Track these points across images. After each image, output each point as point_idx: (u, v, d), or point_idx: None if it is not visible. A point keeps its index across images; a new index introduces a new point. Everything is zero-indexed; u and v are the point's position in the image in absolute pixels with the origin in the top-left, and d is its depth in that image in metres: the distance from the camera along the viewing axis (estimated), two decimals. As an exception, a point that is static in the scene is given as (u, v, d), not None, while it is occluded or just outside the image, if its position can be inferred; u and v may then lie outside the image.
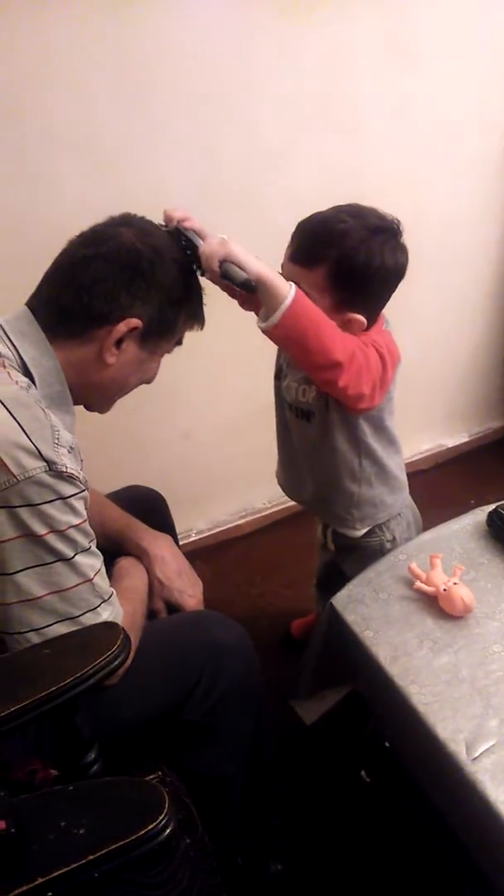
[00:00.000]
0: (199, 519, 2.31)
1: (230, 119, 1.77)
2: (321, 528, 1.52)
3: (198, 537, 2.29)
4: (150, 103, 1.66)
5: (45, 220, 1.64)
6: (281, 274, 1.07)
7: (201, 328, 1.17)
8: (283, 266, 1.17)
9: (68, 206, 1.66)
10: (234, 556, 2.26)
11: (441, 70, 2.00)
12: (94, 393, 1.08)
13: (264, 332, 1.06)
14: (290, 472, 1.45)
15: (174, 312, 1.06)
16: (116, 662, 0.75)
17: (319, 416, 1.27)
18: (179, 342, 1.15)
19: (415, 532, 1.48)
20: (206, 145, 1.76)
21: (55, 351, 1.01)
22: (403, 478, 1.43)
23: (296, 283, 1.06)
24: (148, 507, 1.39)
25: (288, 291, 1.02)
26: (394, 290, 1.23)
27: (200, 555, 2.13)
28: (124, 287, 1.00)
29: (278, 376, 1.37)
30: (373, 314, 1.21)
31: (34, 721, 0.70)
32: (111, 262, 1.00)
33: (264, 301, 1.04)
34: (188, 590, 1.22)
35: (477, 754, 0.96)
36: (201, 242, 1.06)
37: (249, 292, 1.05)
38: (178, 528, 1.54)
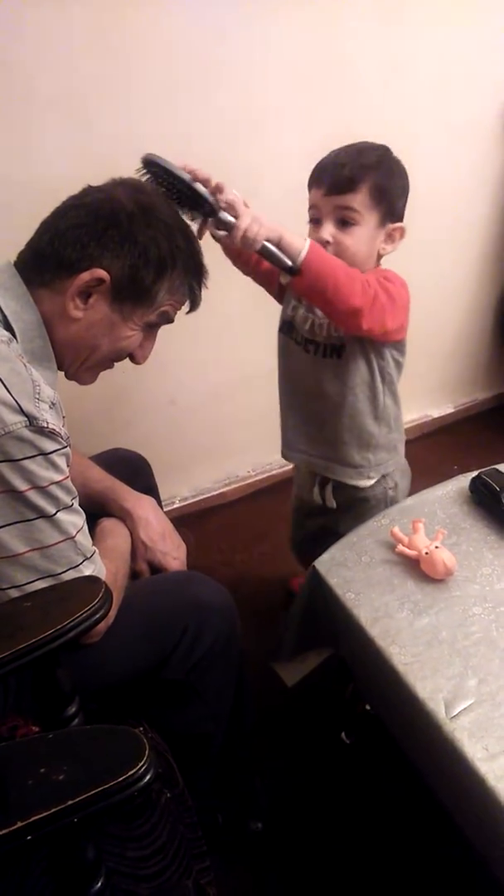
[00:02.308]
0: (182, 486, 2.31)
1: (219, 76, 1.74)
2: (318, 489, 1.49)
3: (181, 504, 2.29)
4: (134, 58, 1.63)
5: (27, 176, 1.62)
6: (317, 212, 1.22)
7: (194, 308, 1.13)
8: (320, 205, 1.22)
9: (49, 161, 1.63)
10: (218, 523, 2.27)
11: (436, 33, 1.98)
12: (63, 350, 1.03)
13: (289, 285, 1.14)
14: (304, 427, 1.42)
15: (151, 277, 1.01)
16: (98, 616, 0.75)
17: (351, 348, 1.28)
18: (168, 319, 1.11)
19: (409, 484, 1.52)
20: (193, 101, 1.73)
21: (35, 304, 0.99)
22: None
23: (347, 207, 1.19)
24: (132, 470, 1.39)
25: (303, 245, 1.09)
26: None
27: (184, 522, 2.11)
28: (95, 236, 0.97)
29: (287, 329, 1.37)
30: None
31: (14, 672, 0.70)
32: (90, 212, 0.98)
33: (285, 260, 1.10)
34: (172, 552, 1.22)
35: (455, 713, 0.97)
36: (231, 219, 1.06)
37: (294, 276, 1.10)
38: (162, 495, 1.53)
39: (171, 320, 1.12)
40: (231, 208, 1.06)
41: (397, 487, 1.48)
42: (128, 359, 1.11)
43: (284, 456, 1.48)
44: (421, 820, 1.34)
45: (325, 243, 1.20)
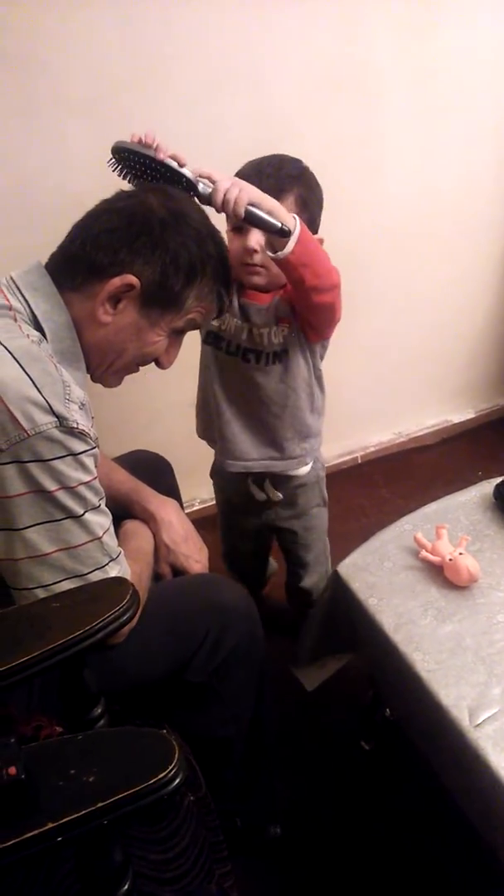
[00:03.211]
0: (202, 488, 2.30)
1: (248, 80, 1.74)
2: (256, 487, 1.50)
3: (201, 506, 2.29)
4: (159, 64, 1.64)
5: (54, 180, 1.63)
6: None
7: (220, 315, 1.14)
8: None
9: (77, 164, 1.64)
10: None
11: (458, 39, 1.97)
12: (90, 354, 1.04)
13: (280, 260, 1.11)
14: (247, 434, 1.42)
15: (181, 284, 1.01)
16: (126, 616, 0.75)
17: (293, 352, 1.31)
18: (195, 326, 1.10)
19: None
20: (214, 107, 1.73)
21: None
22: None
23: None
24: (154, 472, 1.39)
25: (294, 220, 1.09)
26: None
27: (203, 524, 2.11)
28: (127, 242, 0.97)
29: (213, 339, 1.35)
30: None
31: (42, 673, 0.70)
32: (122, 216, 0.98)
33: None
34: (194, 555, 1.22)
35: (480, 721, 0.97)
36: (206, 183, 1.05)
37: (285, 237, 1.08)
38: (183, 497, 1.53)
39: (198, 327, 1.12)
40: (209, 178, 1.06)
41: (323, 467, 1.56)
42: (153, 363, 1.11)
43: (225, 466, 1.47)
44: (440, 827, 1.34)
45: (252, 251, 1.20)
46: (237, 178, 1.07)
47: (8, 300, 0.96)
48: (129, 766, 0.59)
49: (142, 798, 0.56)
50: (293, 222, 1.08)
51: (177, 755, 0.58)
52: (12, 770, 0.56)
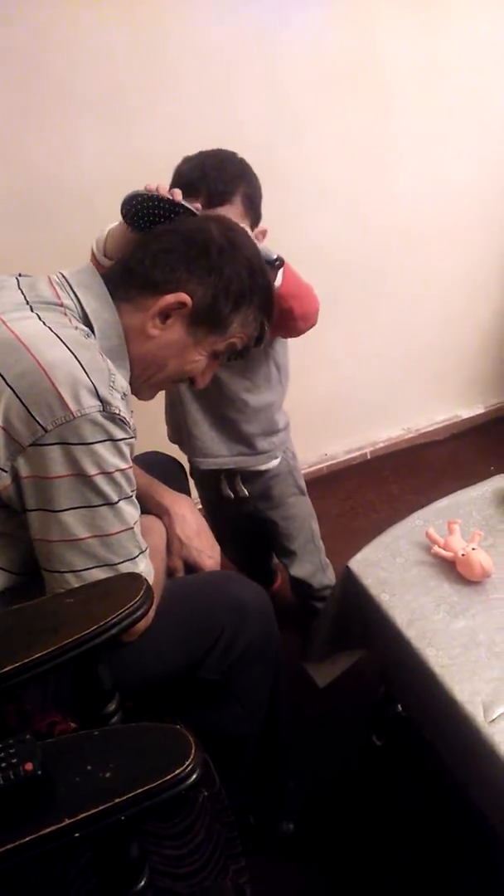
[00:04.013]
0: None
1: (255, 77, 1.74)
2: (226, 484, 1.53)
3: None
4: (170, 61, 1.64)
5: (62, 177, 1.63)
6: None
7: (259, 344, 1.17)
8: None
9: (86, 163, 1.64)
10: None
11: (467, 36, 1.96)
12: (133, 364, 1.06)
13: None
14: (216, 432, 1.45)
15: (229, 308, 1.04)
16: (140, 612, 0.75)
17: (255, 349, 1.32)
18: (234, 350, 1.13)
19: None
20: (224, 105, 1.73)
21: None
22: None
23: None
24: (166, 473, 1.39)
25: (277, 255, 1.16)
26: None
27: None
28: (186, 263, 1.00)
29: None
30: None
31: (56, 669, 0.70)
32: (183, 238, 1.02)
33: None
34: (207, 550, 1.22)
35: (494, 716, 0.96)
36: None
37: (277, 269, 1.14)
38: (192, 496, 1.54)
39: (236, 351, 1.15)
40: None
41: (295, 457, 1.59)
42: (189, 381, 1.14)
43: (195, 465, 1.50)
44: (454, 823, 1.33)
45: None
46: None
47: (59, 297, 0.98)
48: (146, 761, 0.59)
49: (159, 794, 0.56)
50: (277, 256, 1.14)
51: (193, 751, 0.58)
52: (29, 766, 0.56)
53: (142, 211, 1.08)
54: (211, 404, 1.41)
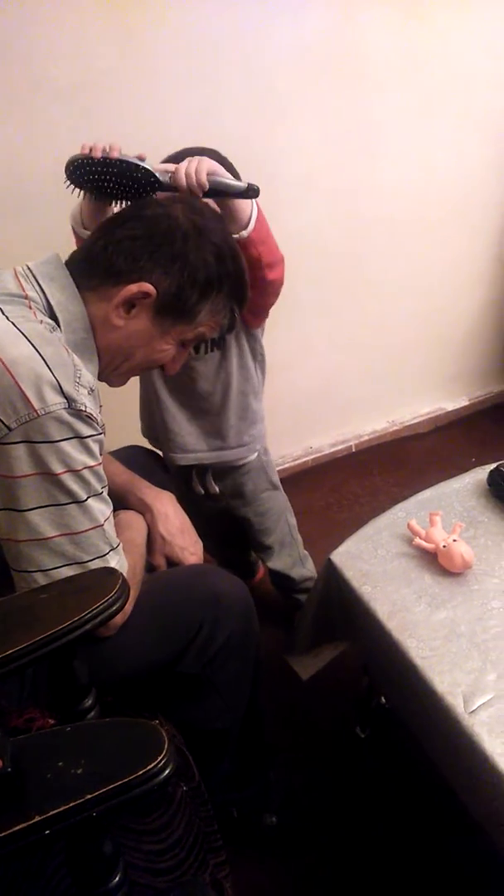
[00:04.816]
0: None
1: (232, 66, 1.72)
2: (197, 480, 1.52)
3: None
4: (148, 46, 1.62)
5: (38, 167, 1.61)
6: None
7: (230, 331, 1.17)
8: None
9: (62, 153, 1.62)
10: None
11: (453, 24, 1.95)
12: (100, 354, 1.04)
13: (241, 240, 1.13)
14: (193, 426, 1.44)
15: (196, 296, 1.02)
16: (115, 608, 0.74)
17: (230, 338, 1.33)
18: (203, 338, 1.12)
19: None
20: (207, 91, 1.71)
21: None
22: None
23: None
24: (148, 467, 1.38)
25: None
26: None
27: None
28: (149, 250, 0.98)
29: None
30: None
31: (32, 664, 0.70)
32: (147, 225, 0.99)
33: (233, 208, 1.12)
34: (190, 547, 1.21)
35: (474, 707, 0.96)
36: (157, 174, 1.07)
37: (253, 197, 1.09)
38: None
39: (205, 339, 1.15)
40: (164, 170, 1.09)
41: (267, 452, 1.57)
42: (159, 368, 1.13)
43: (172, 460, 1.48)
44: (436, 814, 1.34)
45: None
46: (194, 157, 1.09)
47: (23, 289, 0.96)
48: (118, 757, 0.58)
49: (131, 789, 0.55)
50: (249, 184, 1.10)
51: (166, 745, 0.57)
52: (-1, 763, 0.56)
53: (79, 171, 1.07)
54: (187, 397, 1.40)
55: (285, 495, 1.65)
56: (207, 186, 1.06)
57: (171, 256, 0.98)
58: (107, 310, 0.99)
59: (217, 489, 1.50)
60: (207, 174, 1.07)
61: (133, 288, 0.97)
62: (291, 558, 1.66)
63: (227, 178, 1.07)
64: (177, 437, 1.44)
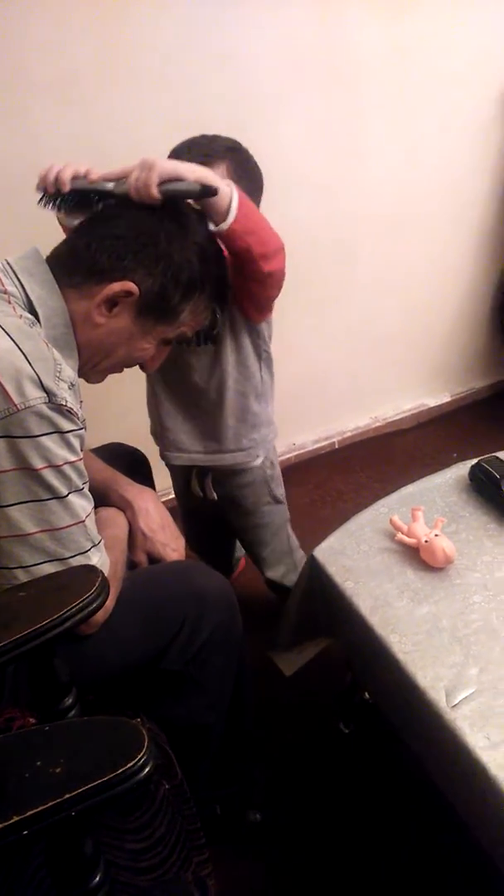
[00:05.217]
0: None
1: (216, 60, 1.72)
2: (196, 482, 1.49)
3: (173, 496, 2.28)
4: (130, 40, 1.61)
5: (18, 157, 1.60)
6: None
7: (212, 331, 1.16)
8: None
9: (42, 147, 1.61)
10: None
11: (435, 19, 1.96)
12: (80, 351, 1.03)
13: (223, 233, 1.06)
14: (187, 425, 1.40)
15: (178, 296, 1.02)
16: (94, 606, 0.73)
17: (228, 329, 1.27)
18: (184, 338, 1.12)
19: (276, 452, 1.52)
20: (190, 87, 1.70)
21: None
22: None
23: None
24: (129, 464, 1.37)
25: (226, 184, 1.04)
26: None
27: (178, 513, 2.11)
28: (133, 250, 0.98)
29: None
30: None
31: (10, 664, 0.69)
32: (132, 223, 0.99)
33: (207, 203, 1.04)
34: (171, 543, 1.20)
35: (456, 702, 0.96)
36: (111, 185, 1.01)
37: (211, 196, 1.02)
38: (157, 487, 1.52)
39: (187, 339, 1.14)
40: (122, 175, 1.02)
41: (273, 466, 1.50)
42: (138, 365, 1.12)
43: (165, 458, 1.46)
44: (420, 809, 1.34)
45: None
46: (146, 158, 0.99)
47: (3, 283, 0.95)
48: (97, 755, 0.57)
49: (110, 788, 0.55)
50: (223, 185, 1.04)
51: (146, 743, 0.57)
52: (-25, 763, 0.55)
53: (47, 205, 1.05)
54: (183, 393, 1.36)
55: (287, 508, 1.60)
56: (159, 198, 0.99)
57: (155, 256, 0.98)
58: (88, 307, 0.98)
59: (215, 496, 1.46)
60: (160, 182, 0.98)
61: (116, 286, 0.97)
62: (286, 567, 1.62)
63: (180, 184, 1.00)
64: (171, 435, 1.41)
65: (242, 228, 1.06)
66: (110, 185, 1.01)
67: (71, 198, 1.03)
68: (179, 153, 1.21)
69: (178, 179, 0.99)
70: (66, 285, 0.99)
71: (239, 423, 1.37)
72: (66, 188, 1.01)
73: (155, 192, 0.97)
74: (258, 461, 1.43)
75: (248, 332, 1.29)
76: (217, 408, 1.35)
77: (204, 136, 1.22)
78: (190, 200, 1.07)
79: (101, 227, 0.99)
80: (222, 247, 1.10)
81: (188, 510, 1.65)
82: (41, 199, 1.05)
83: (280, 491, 1.54)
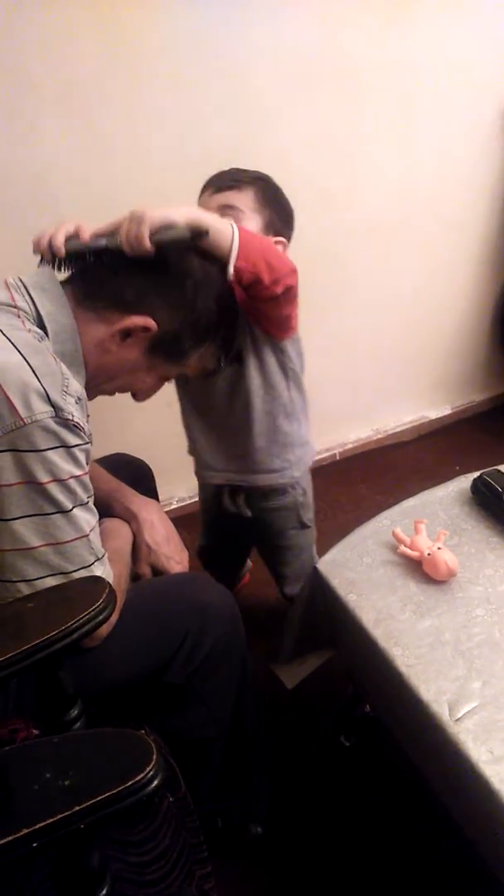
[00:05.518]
0: (180, 487, 2.30)
1: (220, 71, 1.73)
2: (229, 498, 1.47)
3: (178, 505, 2.28)
4: (135, 51, 1.62)
5: (23, 168, 1.61)
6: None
7: (212, 376, 1.19)
8: (205, 205, 1.21)
9: (47, 153, 1.62)
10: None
11: (438, 30, 1.98)
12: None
13: (231, 275, 1.05)
14: (218, 445, 1.39)
15: (192, 342, 1.05)
16: (102, 617, 0.74)
17: (251, 349, 1.26)
18: (183, 378, 1.16)
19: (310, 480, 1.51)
20: (189, 101, 1.72)
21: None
22: None
23: (229, 206, 1.18)
24: (134, 475, 1.38)
25: (226, 222, 1.04)
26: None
27: (181, 523, 2.10)
28: (159, 289, 1.00)
29: None
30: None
31: (17, 675, 0.69)
32: (163, 263, 0.99)
33: (209, 242, 1.03)
34: (175, 556, 1.21)
35: (459, 715, 0.96)
36: (104, 241, 1.00)
37: (203, 237, 1.01)
38: (160, 496, 1.53)
39: (185, 379, 1.17)
40: (110, 232, 1.01)
41: (306, 494, 1.48)
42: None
43: (200, 477, 1.47)
44: (421, 822, 1.34)
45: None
46: (135, 210, 0.97)
47: (13, 299, 0.96)
48: (105, 768, 0.58)
49: (119, 801, 0.55)
50: (220, 224, 1.03)
51: (155, 756, 0.57)
52: (-15, 775, 0.55)
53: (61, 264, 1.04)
54: (210, 413, 1.36)
55: (314, 530, 1.58)
56: (152, 251, 0.97)
57: (179, 301, 1.01)
58: (103, 333, 1.00)
59: (249, 513, 1.45)
60: (151, 233, 0.96)
61: (137, 320, 0.99)
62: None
63: (171, 232, 0.98)
64: (203, 454, 1.41)
65: (246, 265, 1.05)
66: (103, 242, 1.00)
67: (69, 259, 1.03)
68: (210, 182, 1.24)
69: (170, 227, 0.98)
70: (84, 307, 0.99)
71: (270, 443, 1.35)
72: (62, 253, 1.01)
73: (148, 244, 0.96)
74: (293, 480, 1.42)
75: (272, 350, 1.28)
76: (245, 428, 1.33)
77: (236, 168, 1.25)
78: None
79: (131, 260, 0.98)
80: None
81: (210, 520, 1.65)
82: (40, 262, 1.05)
83: (309, 516, 1.53)
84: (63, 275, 1.03)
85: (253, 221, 1.21)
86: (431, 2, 1.92)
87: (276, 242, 1.23)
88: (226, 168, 1.27)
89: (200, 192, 1.26)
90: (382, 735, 1.36)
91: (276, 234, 1.25)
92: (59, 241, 1.00)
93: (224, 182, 1.21)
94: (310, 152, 1.88)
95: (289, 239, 1.29)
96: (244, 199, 1.20)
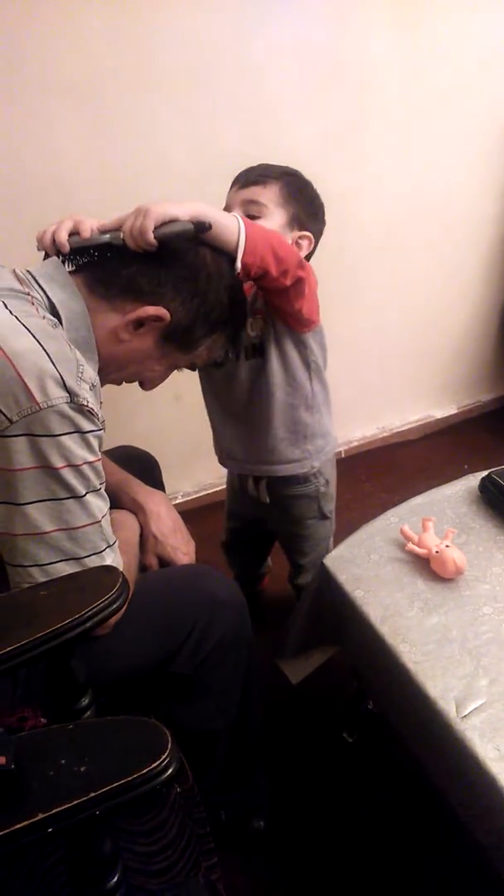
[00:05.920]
0: (185, 481, 2.30)
1: (232, 70, 1.73)
2: (252, 483, 1.49)
3: (184, 500, 2.29)
4: (149, 50, 1.62)
5: (38, 164, 1.61)
6: (227, 208, 1.18)
7: (219, 365, 1.21)
8: (231, 200, 1.23)
9: (63, 151, 1.62)
10: (220, 518, 2.25)
11: (447, 34, 1.97)
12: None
13: (239, 268, 1.06)
14: (240, 435, 1.41)
15: (202, 331, 1.06)
16: (115, 605, 0.74)
17: (273, 342, 1.27)
18: (192, 367, 1.16)
19: (335, 472, 1.52)
20: (204, 98, 1.72)
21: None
22: None
23: (254, 201, 1.19)
24: (141, 467, 1.38)
25: (232, 217, 1.04)
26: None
27: (187, 517, 2.10)
28: (174, 280, 1.00)
29: None
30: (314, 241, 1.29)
31: (30, 663, 0.69)
32: (177, 255, 1.00)
33: (216, 237, 1.03)
34: (182, 547, 1.21)
35: (466, 712, 0.97)
36: (107, 237, 1.00)
37: (205, 231, 1.01)
38: (166, 490, 1.53)
39: (193, 368, 1.18)
40: (114, 228, 1.01)
41: (328, 484, 1.49)
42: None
43: (222, 463, 1.48)
44: (424, 818, 1.34)
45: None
46: (141, 205, 0.98)
47: (25, 287, 0.97)
48: (121, 755, 0.58)
49: (135, 788, 0.55)
50: (226, 218, 1.03)
51: (170, 744, 0.57)
52: (2, 760, 0.55)
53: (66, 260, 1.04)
54: (232, 405, 1.37)
55: (333, 522, 1.58)
56: (155, 244, 0.97)
57: (193, 292, 1.01)
58: (117, 322, 1.00)
59: (267, 499, 1.47)
60: (155, 227, 0.96)
61: (151, 310, 0.99)
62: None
63: (174, 226, 0.98)
64: (225, 443, 1.43)
65: (254, 260, 1.05)
66: (107, 237, 1.01)
67: (73, 255, 1.03)
68: (238, 178, 1.25)
69: (174, 221, 0.98)
70: (96, 296, 1.00)
71: (290, 433, 1.37)
72: (66, 249, 1.02)
73: (151, 237, 0.96)
74: (314, 469, 1.43)
75: (294, 343, 1.29)
76: (266, 418, 1.34)
77: (265, 163, 1.26)
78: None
79: (145, 253, 0.98)
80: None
81: (233, 509, 1.67)
82: (44, 258, 1.05)
83: (330, 507, 1.53)
84: (69, 268, 1.04)
85: (276, 216, 1.21)
86: (443, 5, 1.91)
87: (302, 237, 1.25)
88: (231, 167, 1.27)
89: (230, 187, 1.26)
90: (385, 732, 1.36)
91: (301, 229, 1.25)
92: (63, 238, 1.01)
93: (251, 178, 1.22)
94: (319, 154, 1.88)
95: (318, 233, 1.30)
96: (268, 195, 1.20)
